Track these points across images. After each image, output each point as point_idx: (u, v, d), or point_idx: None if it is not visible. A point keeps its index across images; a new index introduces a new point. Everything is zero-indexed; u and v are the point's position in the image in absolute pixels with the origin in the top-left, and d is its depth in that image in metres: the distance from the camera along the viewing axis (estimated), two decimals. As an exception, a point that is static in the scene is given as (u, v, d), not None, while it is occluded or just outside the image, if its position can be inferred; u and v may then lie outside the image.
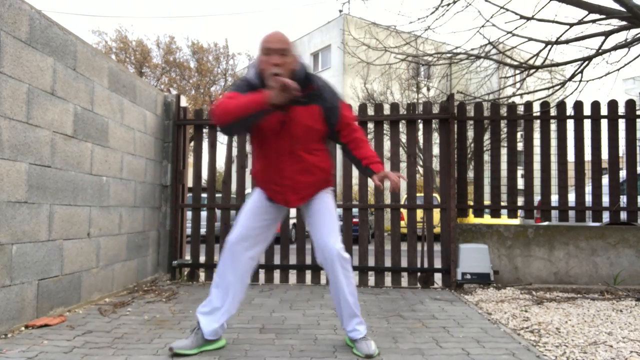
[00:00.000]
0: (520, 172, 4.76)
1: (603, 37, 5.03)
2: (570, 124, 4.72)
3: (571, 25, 5.05)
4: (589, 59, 5.14)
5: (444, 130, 4.72)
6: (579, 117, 4.71)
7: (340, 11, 26.92)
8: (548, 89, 5.56)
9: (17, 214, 2.82)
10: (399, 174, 2.45)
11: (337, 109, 2.45)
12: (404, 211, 5.05)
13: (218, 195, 7.15)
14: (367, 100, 17.55)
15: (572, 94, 5.30)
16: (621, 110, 4.75)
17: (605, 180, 4.71)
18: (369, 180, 6.16)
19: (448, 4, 5.20)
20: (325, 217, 2.52)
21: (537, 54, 5.35)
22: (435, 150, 12.48)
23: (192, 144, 8.07)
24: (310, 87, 2.35)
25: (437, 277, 4.89)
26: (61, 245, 3.27)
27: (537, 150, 4.71)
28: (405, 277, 4.90)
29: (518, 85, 5.69)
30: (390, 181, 2.44)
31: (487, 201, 4.89)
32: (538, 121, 4.83)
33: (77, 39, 3.47)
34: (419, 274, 4.69)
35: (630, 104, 4.74)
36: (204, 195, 5.75)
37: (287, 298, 4.00)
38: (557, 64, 5.48)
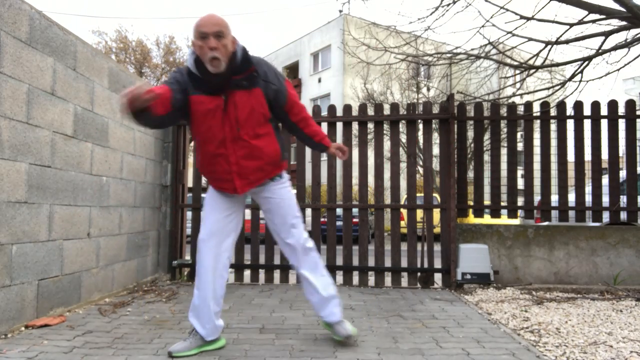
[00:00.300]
0: (520, 172, 4.76)
1: (603, 37, 5.03)
2: (570, 124, 4.72)
3: (571, 25, 5.05)
4: (589, 59, 5.13)
5: (444, 130, 4.72)
6: (579, 117, 4.71)
7: (340, 11, 26.94)
8: (548, 89, 5.56)
9: (17, 214, 2.82)
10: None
11: (285, 90, 2.43)
12: (404, 211, 5.05)
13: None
14: (367, 100, 17.55)
15: (572, 94, 5.30)
16: (621, 110, 4.75)
17: (605, 180, 4.70)
18: (369, 180, 6.17)
19: (448, 4, 5.20)
20: (286, 214, 2.56)
21: (537, 54, 5.35)
22: (435, 150, 12.48)
23: (192, 144, 8.07)
24: (250, 69, 2.30)
25: (437, 277, 4.89)
26: (61, 245, 3.26)
27: (537, 150, 4.71)
28: (405, 277, 4.90)
29: (518, 85, 5.69)
30: (342, 151, 2.71)
31: (487, 201, 4.89)
32: (538, 121, 4.83)
33: (77, 39, 3.47)
34: (419, 274, 4.69)
35: (630, 104, 4.74)
36: (204, 195, 5.76)
37: (287, 298, 4.00)
38: (557, 64, 5.48)
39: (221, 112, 2.30)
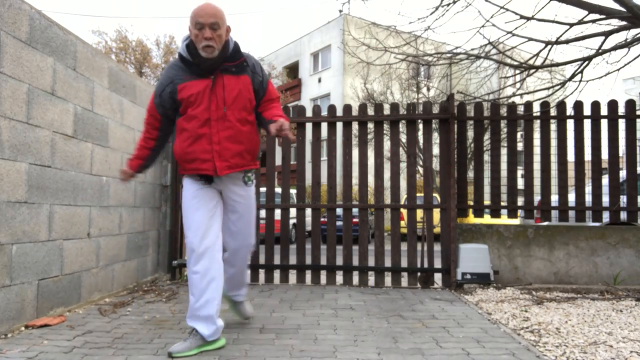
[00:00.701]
0: (520, 172, 4.76)
1: (603, 37, 5.03)
2: (570, 124, 4.71)
3: (571, 25, 5.05)
4: (589, 59, 5.13)
5: (444, 130, 4.72)
6: (579, 117, 4.71)
7: (340, 11, 26.93)
8: (548, 89, 5.56)
9: (17, 214, 2.82)
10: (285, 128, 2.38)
11: (266, 83, 2.59)
12: (404, 211, 5.05)
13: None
14: (367, 100, 17.55)
15: (572, 94, 5.29)
16: (621, 110, 4.75)
17: (605, 180, 4.70)
18: (369, 180, 6.16)
19: (448, 4, 5.20)
20: (250, 219, 2.74)
21: (537, 54, 5.34)
22: (435, 150, 12.47)
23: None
24: (241, 59, 2.47)
25: (437, 277, 4.89)
26: (61, 245, 3.26)
27: (537, 150, 4.71)
28: (405, 277, 4.90)
29: (518, 85, 5.69)
30: (282, 128, 2.37)
31: (487, 201, 4.89)
32: (538, 121, 4.83)
33: (77, 39, 3.47)
34: (419, 274, 4.69)
35: (630, 104, 4.74)
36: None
37: (287, 298, 4.00)
38: (557, 64, 5.47)
39: (209, 92, 2.41)
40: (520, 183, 4.74)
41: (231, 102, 2.43)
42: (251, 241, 2.80)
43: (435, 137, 12.46)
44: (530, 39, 5.08)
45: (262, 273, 4.87)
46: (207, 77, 2.41)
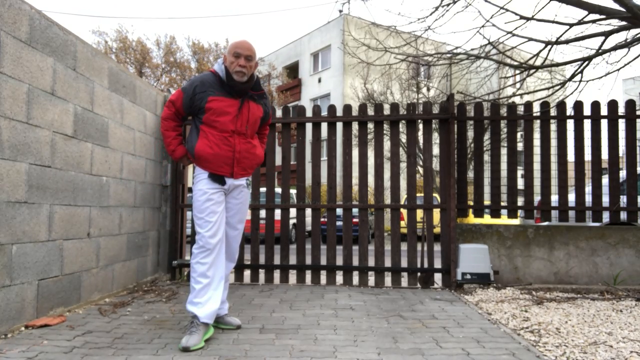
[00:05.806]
0: (520, 172, 4.76)
1: (603, 37, 5.04)
2: (570, 124, 4.72)
3: (571, 25, 5.06)
4: (589, 59, 5.14)
5: (444, 130, 4.72)
6: (579, 117, 4.71)
7: (340, 11, 26.90)
8: (548, 89, 5.57)
9: (17, 214, 2.82)
10: None
11: (268, 116, 3.12)
12: (404, 211, 5.05)
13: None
14: (367, 100, 17.55)
15: (572, 94, 5.30)
16: (621, 110, 4.75)
17: (605, 180, 4.70)
18: (369, 180, 6.17)
19: (448, 4, 5.21)
20: (243, 217, 3.07)
21: (537, 54, 5.35)
22: (435, 150, 12.48)
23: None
24: (262, 91, 3.00)
25: (437, 277, 4.89)
26: (61, 245, 3.26)
27: (537, 150, 4.71)
28: (405, 277, 4.90)
29: (518, 85, 5.70)
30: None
31: (487, 201, 4.89)
32: (538, 121, 4.83)
33: (77, 39, 3.47)
34: (419, 274, 4.69)
35: (630, 104, 4.73)
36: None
37: (287, 298, 4.00)
38: (557, 64, 5.48)
39: (236, 110, 2.85)
40: (520, 183, 4.74)
41: (251, 124, 2.93)
42: (238, 242, 3.10)
43: (435, 137, 12.46)
44: (530, 39, 5.09)
45: (262, 273, 4.87)
46: (236, 99, 2.86)
